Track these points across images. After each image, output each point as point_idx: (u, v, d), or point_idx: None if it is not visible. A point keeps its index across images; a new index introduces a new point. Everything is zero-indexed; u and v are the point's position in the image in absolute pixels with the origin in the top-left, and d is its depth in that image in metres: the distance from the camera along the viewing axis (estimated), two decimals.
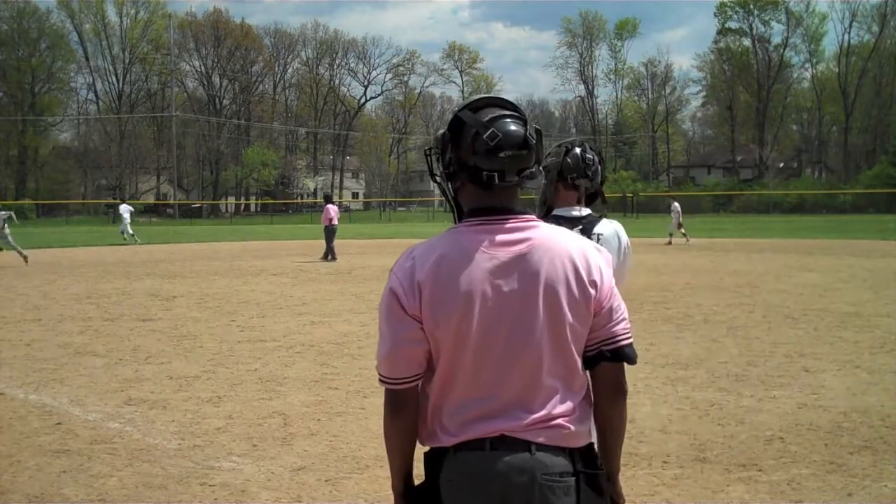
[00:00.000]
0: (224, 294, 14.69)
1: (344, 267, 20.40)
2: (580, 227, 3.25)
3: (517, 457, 1.87)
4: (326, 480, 4.91)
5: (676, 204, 30.78)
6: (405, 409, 1.99)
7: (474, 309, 1.89)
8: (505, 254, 1.91)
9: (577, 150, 3.34)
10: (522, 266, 1.91)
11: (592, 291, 1.94)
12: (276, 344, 9.46)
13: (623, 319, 2.01)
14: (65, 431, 5.94)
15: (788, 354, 8.36)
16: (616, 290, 2.01)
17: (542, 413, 1.91)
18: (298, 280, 17.35)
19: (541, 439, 1.89)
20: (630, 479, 4.68)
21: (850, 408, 6.25)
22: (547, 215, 3.32)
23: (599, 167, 3.38)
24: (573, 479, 1.90)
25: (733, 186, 71.58)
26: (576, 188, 3.30)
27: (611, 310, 1.98)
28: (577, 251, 1.96)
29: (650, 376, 7.27)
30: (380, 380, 2.01)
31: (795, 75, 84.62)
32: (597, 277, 1.95)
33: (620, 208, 64.32)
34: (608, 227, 3.34)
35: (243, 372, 7.92)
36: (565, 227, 3.22)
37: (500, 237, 1.93)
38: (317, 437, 5.76)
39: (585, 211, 3.34)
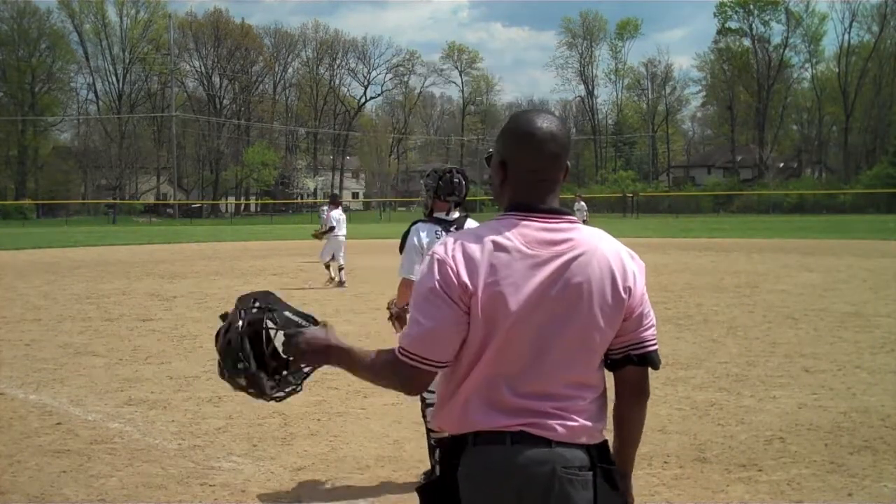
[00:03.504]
0: (224, 294, 14.68)
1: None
2: (455, 226, 4.67)
3: (537, 450, 1.90)
4: (326, 480, 4.91)
5: (582, 203, 30.63)
6: (417, 390, 2.02)
7: (510, 303, 1.90)
8: (547, 252, 1.94)
9: (447, 175, 4.72)
10: (562, 266, 1.94)
11: (625, 296, 1.98)
12: None
13: (652, 326, 2.06)
14: (65, 431, 5.94)
15: (788, 354, 8.36)
16: (647, 297, 2.05)
17: (564, 411, 1.93)
18: (298, 280, 17.35)
19: (560, 435, 1.92)
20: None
21: (850, 408, 6.25)
22: (430, 216, 4.78)
23: (464, 184, 4.74)
24: (590, 473, 1.93)
25: (733, 186, 71.56)
26: (446, 201, 4.73)
27: (641, 315, 2.03)
28: (614, 256, 1.99)
29: (650, 376, 7.26)
30: (405, 355, 1.95)
31: (795, 75, 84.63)
32: (631, 283, 1.99)
33: (620, 208, 64.29)
34: (474, 224, 4.58)
35: None
36: (443, 227, 4.48)
37: (543, 235, 1.96)
38: (317, 437, 5.76)
39: (455, 215, 4.74)
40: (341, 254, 16.04)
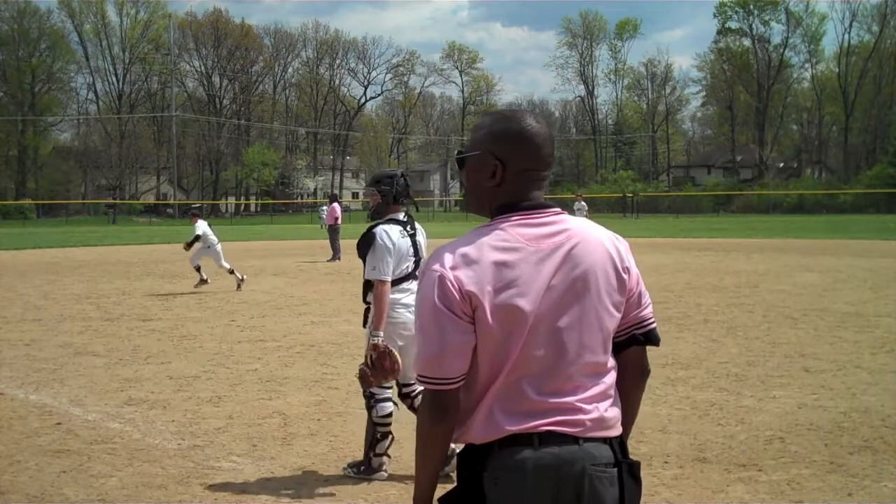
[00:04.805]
0: (224, 294, 14.69)
1: (344, 267, 20.40)
2: (410, 224, 5.00)
3: (566, 448, 1.88)
4: (326, 480, 4.91)
5: (583, 203, 30.25)
6: (450, 412, 1.94)
7: (523, 305, 1.89)
8: (547, 246, 1.94)
9: (402, 180, 5.00)
10: (565, 257, 1.94)
11: (625, 276, 2.00)
12: (276, 344, 9.46)
13: (649, 304, 2.08)
14: (65, 431, 5.94)
15: (788, 354, 8.36)
16: (640, 275, 2.07)
17: (587, 405, 1.93)
18: (298, 280, 17.36)
19: (588, 429, 1.91)
20: None
21: (850, 408, 6.25)
22: (384, 219, 4.98)
23: (409, 186, 5.08)
24: (615, 469, 1.93)
25: (733, 186, 71.53)
26: (402, 204, 5.04)
27: (640, 294, 2.05)
28: (606, 240, 2.01)
29: (650, 376, 7.26)
30: (423, 380, 1.94)
31: (795, 75, 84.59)
32: (627, 263, 2.01)
33: (620, 209, 64.24)
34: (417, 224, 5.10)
35: (243, 372, 7.92)
36: (399, 226, 4.93)
37: (540, 230, 1.95)
38: (317, 437, 5.77)
39: (402, 216, 5.01)
40: (221, 259, 15.72)
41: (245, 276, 15.59)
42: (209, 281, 15.62)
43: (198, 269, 15.66)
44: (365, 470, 4.92)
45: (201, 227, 15.73)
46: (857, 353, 8.39)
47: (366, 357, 4.71)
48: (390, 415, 4.91)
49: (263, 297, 14.09)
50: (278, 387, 7.27)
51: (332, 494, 4.70)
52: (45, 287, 16.07)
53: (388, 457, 4.97)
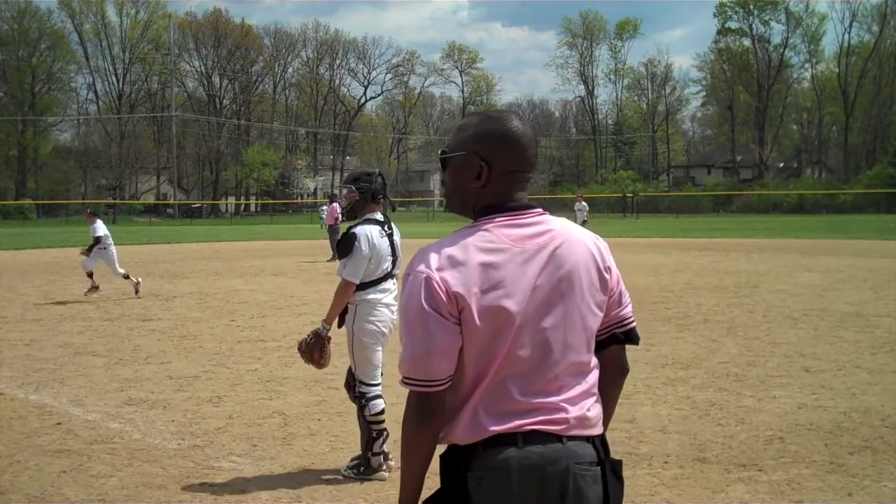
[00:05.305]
0: (224, 294, 14.69)
1: None
2: (387, 224, 5.02)
3: (550, 447, 1.89)
4: (326, 480, 4.92)
5: (584, 203, 30.16)
6: (436, 414, 1.92)
7: (509, 305, 1.89)
8: (532, 246, 1.94)
9: (379, 178, 5.03)
10: (549, 257, 1.94)
11: (607, 276, 2.01)
12: (276, 344, 9.47)
13: (629, 303, 2.10)
14: (65, 431, 5.94)
15: (788, 354, 8.36)
16: (620, 275, 2.09)
17: (570, 405, 1.93)
18: (298, 280, 17.35)
19: (571, 426, 1.92)
20: (630, 479, 4.67)
21: (850, 408, 6.25)
22: (353, 218, 5.07)
23: (386, 186, 5.13)
24: (599, 468, 1.94)
25: (733, 186, 71.54)
26: (379, 203, 5.05)
27: (621, 293, 2.07)
28: (589, 240, 2.02)
29: (650, 376, 7.27)
30: (408, 382, 1.92)
31: (795, 75, 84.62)
32: (609, 263, 2.03)
33: (620, 209, 64.24)
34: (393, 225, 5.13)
35: (243, 372, 7.92)
36: (377, 226, 4.95)
37: (525, 231, 1.96)
38: (317, 437, 5.77)
39: (379, 216, 5.03)
40: (115, 264, 14.57)
41: (141, 280, 14.51)
42: (100, 287, 14.28)
43: (90, 274, 14.25)
44: (364, 470, 4.93)
45: (101, 227, 14.50)
46: (857, 353, 8.39)
47: (306, 337, 5.03)
48: (383, 412, 4.93)
49: (263, 297, 14.08)
50: (278, 387, 7.27)
51: (332, 494, 4.70)
52: (45, 287, 16.07)
53: (387, 455, 4.97)
